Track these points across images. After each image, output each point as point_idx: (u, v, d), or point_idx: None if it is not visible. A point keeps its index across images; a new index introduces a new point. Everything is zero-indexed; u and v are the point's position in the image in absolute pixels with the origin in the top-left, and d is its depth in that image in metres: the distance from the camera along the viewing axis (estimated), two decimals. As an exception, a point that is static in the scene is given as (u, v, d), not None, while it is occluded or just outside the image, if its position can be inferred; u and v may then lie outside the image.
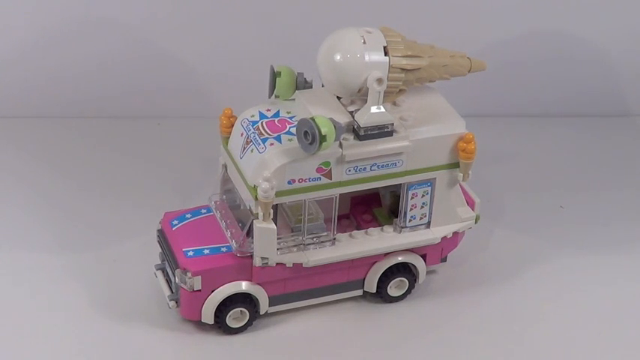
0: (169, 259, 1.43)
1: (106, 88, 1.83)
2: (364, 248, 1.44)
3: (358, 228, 1.49)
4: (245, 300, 1.41)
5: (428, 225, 1.47)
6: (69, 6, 1.76)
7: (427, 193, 1.44)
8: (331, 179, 1.38)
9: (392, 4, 1.78)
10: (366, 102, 1.36)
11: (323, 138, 1.31)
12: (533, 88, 1.90)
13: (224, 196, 1.47)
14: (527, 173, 1.78)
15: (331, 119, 1.33)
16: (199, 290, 1.39)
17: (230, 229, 1.42)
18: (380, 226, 1.47)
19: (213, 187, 1.48)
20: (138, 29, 1.79)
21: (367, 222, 1.50)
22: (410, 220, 1.46)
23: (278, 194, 1.35)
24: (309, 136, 1.32)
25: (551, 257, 1.59)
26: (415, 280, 1.49)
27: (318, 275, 1.43)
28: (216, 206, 1.46)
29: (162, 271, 1.47)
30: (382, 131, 1.37)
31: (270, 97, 1.44)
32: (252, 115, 1.41)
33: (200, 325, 1.43)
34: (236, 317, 1.42)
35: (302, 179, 1.36)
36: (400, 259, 1.47)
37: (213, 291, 1.40)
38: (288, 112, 1.41)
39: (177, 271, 1.39)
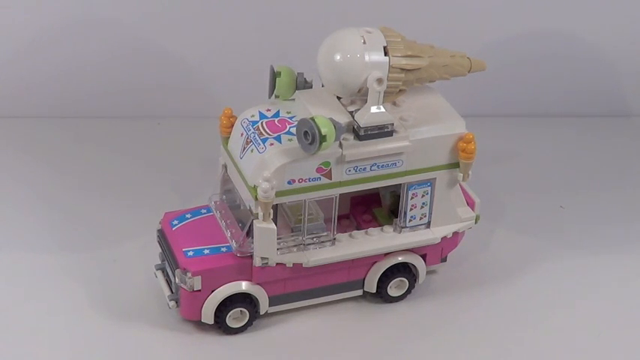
0: (169, 259, 1.43)
1: (106, 88, 1.83)
2: (364, 248, 1.44)
3: (358, 228, 1.49)
4: (245, 300, 1.41)
5: (428, 225, 1.47)
6: (69, 6, 1.76)
7: (427, 193, 1.44)
8: (331, 179, 1.38)
9: (392, 4, 1.78)
10: (366, 102, 1.36)
11: (323, 138, 1.31)
12: (533, 88, 1.90)
13: (224, 196, 1.47)
14: (527, 173, 1.78)
15: (331, 119, 1.33)
16: (199, 290, 1.39)
17: (230, 229, 1.42)
18: (380, 226, 1.47)
19: (213, 187, 1.48)
20: (138, 29, 1.79)
21: (367, 222, 1.50)
22: (410, 220, 1.45)
23: (278, 194, 1.35)
24: (309, 136, 1.32)
25: (551, 257, 1.59)
26: (415, 280, 1.49)
27: (318, 275, 1.43)
28: (216, 206, 1.46)
29: (162, 271, 1.47)
30: (382, 131, 1.37)
31: (270, 97, 1.44)
32: (252, 115, 1.41)
33: (200, 325, 1.43)
34: (236, 317, 1.42)
35: (302, 179, 1.36)
36: (400, 259, 1.47)
37: (213, 291, 1.40)
38: (288, 112, 1.41)
39: (177, 271, 1.39)
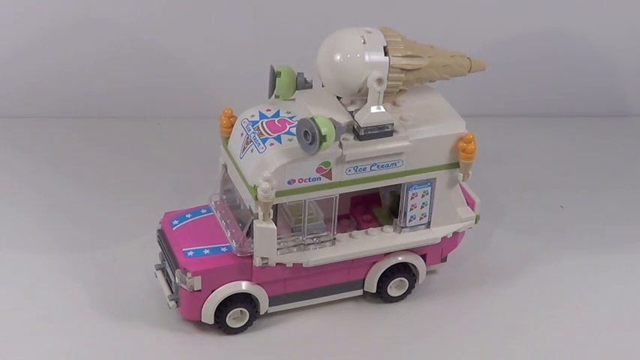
0: (169, 259, 1.43)
1: (105, 88, 1.83)
2: (364, 248, 1.44)
3: (358, 228, 1.49)
4: (245, 300, 1.41)
5: (428, 225, 1.47)
6: (69, 6, 1.76)
7: (427, 193, 1.44)
8: (331, 179, 1.38)
9: (392, 4, 1.78)
10: (366, 102, 1.36)
11: (323, 138, 1.31)
12: (533, 88, 1.90)
13: (224, 196, 1.47)
14: (527, 173, 1.78)
15: (331, 119, 1.33)
16: (199, 290, 1.39)
17: (230, 229, 1.42)
18: (380, 226, 1.47)
19: (213, 187, 1.48)
20: (138, 29, 1.79)
21: (367, 222, 1.50)
22: (410, 220, 1.45)
23: (278, 194, 1.35)
24: (309, 136, 1.32)
25: (551, 257, 1.59)
26: (415, 280, 1.49)
27: (318, 275, 1.43)
28: (216, 206, 1.46)
29: (162, 271, 1.47)
30: (382, 131, 1.37)
31: (270, 97, 1.43)
32: (252, 115, 1.41)
33: (200, 325, 1.43)
34: (236, 317, 1.42)
35: (302, 179, 1.36)
36: (400, 259, 1.47)
37: (213, 291, 1.40)
38: (288, 112, 1.41)
39: (177, 271, 1.39)
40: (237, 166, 1.41)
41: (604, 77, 1.90)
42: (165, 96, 1.85)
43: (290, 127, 1.38)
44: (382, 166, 1.39)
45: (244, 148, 1.39)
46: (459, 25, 1.81)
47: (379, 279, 1.47)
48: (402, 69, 1.38)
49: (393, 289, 1.49)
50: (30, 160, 1.74)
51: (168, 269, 1.44)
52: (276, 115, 1.41)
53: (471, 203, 1.50)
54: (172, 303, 1.42)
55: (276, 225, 1.36)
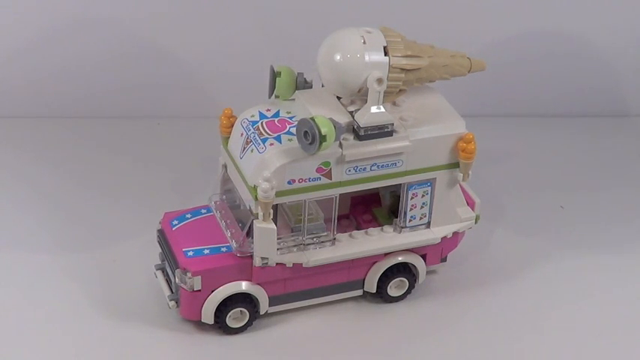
0: (169, 259, 1.43)
1: (105, 88, 1.83)
2: (364, 248, 1.44)
3: (358, 228, 1.49)
4: (245, 300, 1.41)
5: (428, 225, 1.47)
6: (69, 5, 1.76)
7: (427, 193, 1.44)
8: (331, 179, 1.38)
9: (392, 4, 1.78)
10: (366, 102, 1.36)
11: (323, 138, 1.31)
12: (533, 88, 1.90)
13: (224, 196, 1.47)
14: (527, 173, 1.78)
15: (331, 119, 1.33)
16: (199, 290, 1.39)
17: (230, 229, 1.42)
18: (380, 226, 1.47)
19: (213, 187, 1.48)
20: (138, 29, 1.79)
21: (367, 222, 1.50)
22: (410, 220, 1.45)
23: (278, 194, 1.35)
24: (309, 136, 1.32)
25: (551, 257, 1.59)
26: (415, 280, 1.49)
27: (318, 275, 1.43)
28: (216, 206, 1.46)
29: (162, 271, 1.47)
30: (382, 131, 1.37)
31: (270, 97, 1.43)
32: (252, 115, 1.41)
33: (200, 325, 1.43)
34: (236, 317, 1.42)
35: (302, 179, 1.36)
36: (400, 259, 1.47)
37: (213, 291, 1.40)
38: (288, 112, 1.41)
39: (177, 271, 1.39)
40: (237, 166, 1.41)
41: (604, 77, 1.90)
42: (165, 96, 1.85)
43: (290, 127, 1.38)
44: (382, 166, 1.39)
45: (244, 148, 1.39)
46: (459, 25, 1.81)
47: (379, 279, 1.47)
48: (402, 69, 1.38)
49: (393, 289, 1.49)
50: (30, 160, 1.74)
51: (168, 269, 1.44)
52: (276, 115, 1.41)
53: (470, 203, 1.50)
54: (172, 303, 1.42)
55: (276, 225, 1.36)
